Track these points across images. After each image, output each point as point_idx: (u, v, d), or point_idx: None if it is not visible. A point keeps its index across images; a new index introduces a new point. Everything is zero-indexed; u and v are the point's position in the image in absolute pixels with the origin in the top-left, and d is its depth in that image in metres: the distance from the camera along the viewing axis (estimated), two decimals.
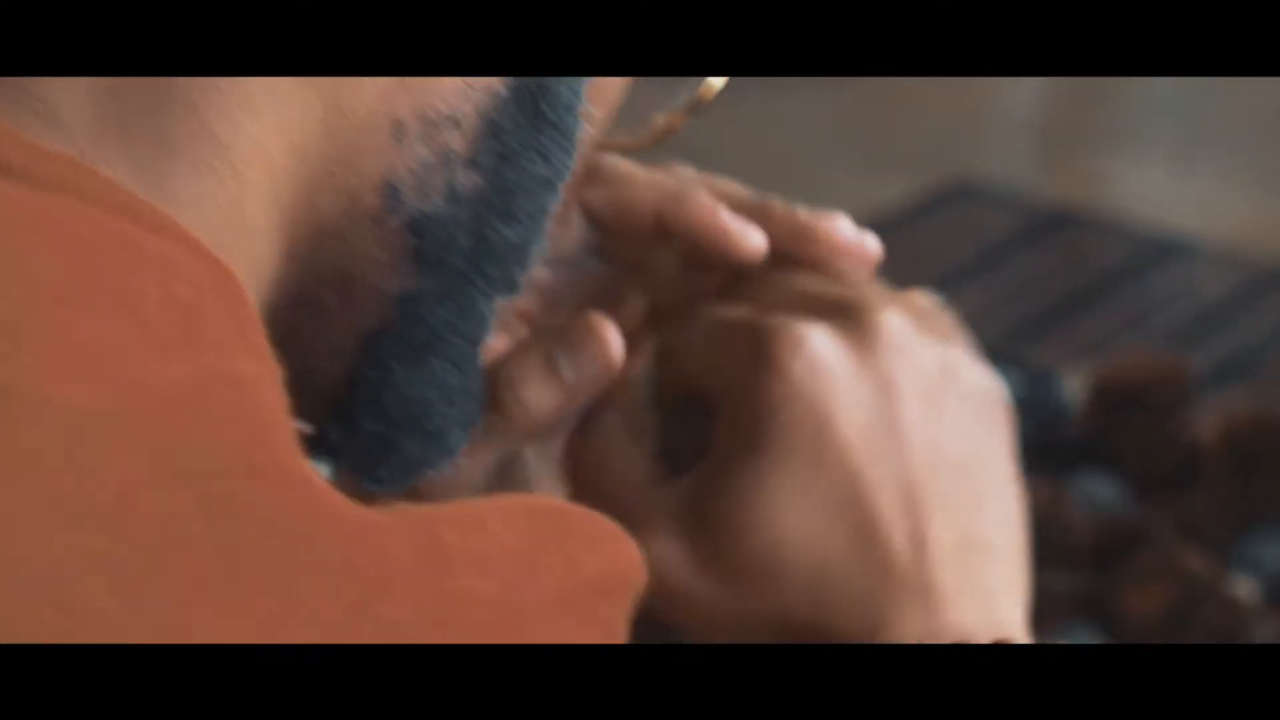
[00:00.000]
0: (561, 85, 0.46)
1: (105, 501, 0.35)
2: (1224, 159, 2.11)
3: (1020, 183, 2.03)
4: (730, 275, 0.60)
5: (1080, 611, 1.19)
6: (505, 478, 0.59)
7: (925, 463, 0.57)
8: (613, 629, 0.42)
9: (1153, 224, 1.87)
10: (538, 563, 0.40)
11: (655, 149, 0.57)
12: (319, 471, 0.38)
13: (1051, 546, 1.22)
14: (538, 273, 0.57)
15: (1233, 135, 2.18)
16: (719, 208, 0.59)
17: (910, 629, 0.55)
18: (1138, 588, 1.18)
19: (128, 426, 0.36)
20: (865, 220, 0.62)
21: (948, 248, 1.79)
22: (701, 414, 0.58)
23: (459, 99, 0.44)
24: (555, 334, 0.56)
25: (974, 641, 0.53)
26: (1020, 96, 2.33)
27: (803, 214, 0.60)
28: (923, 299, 0.61)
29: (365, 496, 0.40)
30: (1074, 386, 1.44)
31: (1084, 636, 1.16)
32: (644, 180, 0.59)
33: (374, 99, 0.43)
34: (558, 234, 0.54)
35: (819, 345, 0.57)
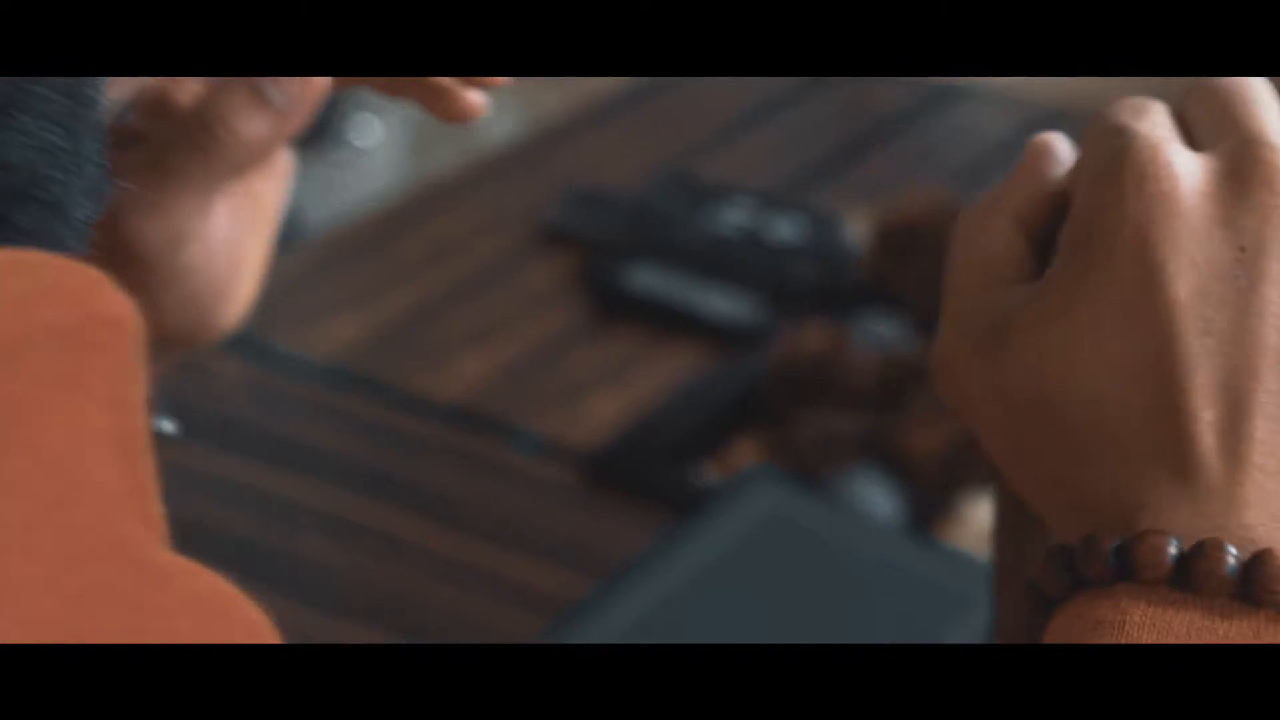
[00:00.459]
0: None
1: None
2: None
3: None
4: None
5: (866, 450, 1.20)
6: None
7: (1271, 351, 0.48)
8: (90, 376, 0.38)
9: None
10: None
11: None
12: None
13: (836, 388, 1.23)
14: None
15: None
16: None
17: (1179, 519, 0.47)
18: (921, 425, 1.19)
19: None
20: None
21: (732, 94, 1.79)
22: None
23: None
24: None
25: (1259, 548, 0.45)
26: None
27: None
28: None
29: None
30: (856, 229, 1.45)
31: (870, 475, 1.18)
32: None
33: None
34: None
35: (1184, 175, 0.49)
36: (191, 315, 0.60)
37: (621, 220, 1.45)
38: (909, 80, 1.84)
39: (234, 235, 0.60)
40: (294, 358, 1.33)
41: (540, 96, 2.01)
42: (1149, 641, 0.45)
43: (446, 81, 0.56)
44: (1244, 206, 0.49)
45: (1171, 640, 0.44)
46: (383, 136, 2.67)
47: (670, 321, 1.37)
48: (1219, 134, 0.51)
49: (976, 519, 1.15)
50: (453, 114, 0.57)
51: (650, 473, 1.21)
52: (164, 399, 0.60)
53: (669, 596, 1.06)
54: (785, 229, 1.43)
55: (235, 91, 0.54)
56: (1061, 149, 0.54)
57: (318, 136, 2.55)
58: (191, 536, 0.43)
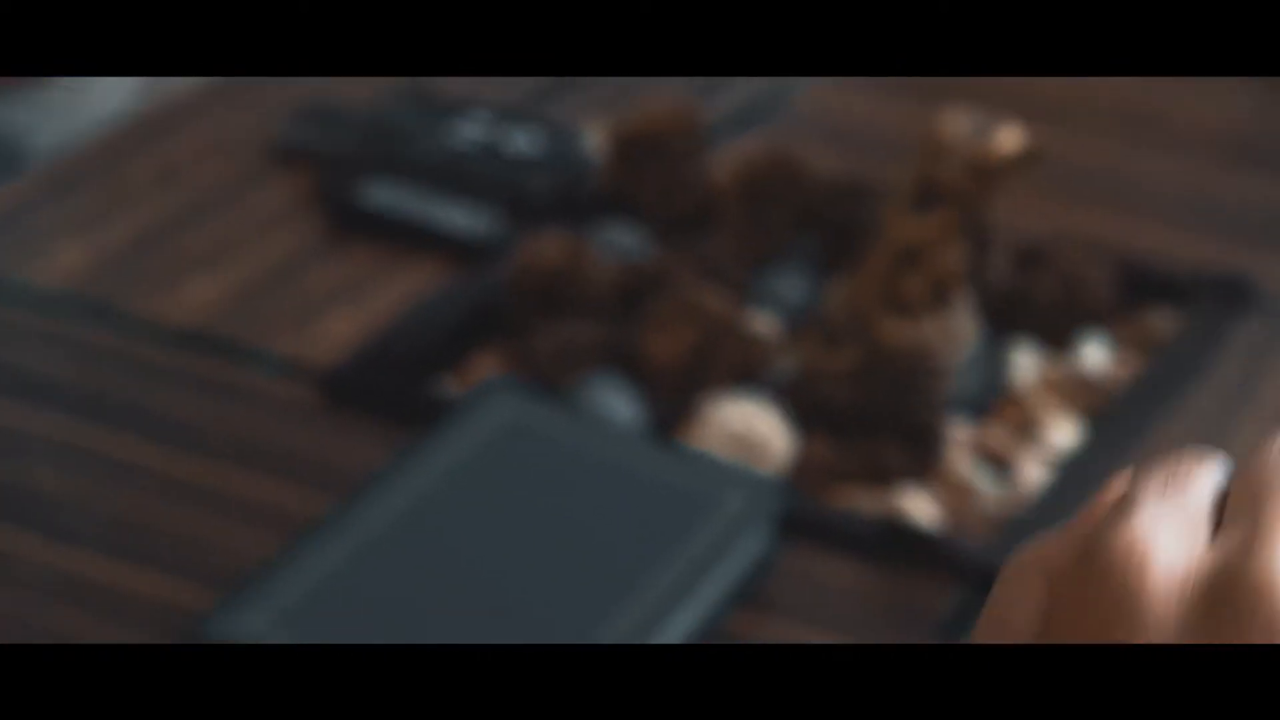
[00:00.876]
0: None
1: None
2: None
3: None
4: None
5: (606, 359, 1.20)
6: None
7: None
8: None
9: None
10: None
11: None
12: None
13: (575, 298, 1.23)
14: None
15: None
16: None
17: None
18: (659, 331, 1.19)
19: None
20: None
21: None
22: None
23: None
24: None
25: None
26: None
27: None
28: None
29: None
30: (594, 141, 1.44)
31: (611, 383, 1.17)
32: None
33: None
34: None
35: (1157, 577, 0.44)
36: None
37: (356, 137, 1.43)
38: None
39: None
40: (20, 285, 1.30)
41: None
42: None
43: None
44: (1219, 622, 0.43)
45: None
46: None
47: (408, 237, 1.35)
48: (1234, 518, 0.45)
49: (717, 421, 1.15)
50: None
51: (390, 388, 1.20)
52: None
53: (410, 509, 1.05)
54: (522, 142, 1.42)
55: None
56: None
57: None
58: None
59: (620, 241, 1.32)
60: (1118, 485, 0.49)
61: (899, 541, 1.10)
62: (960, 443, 1.18)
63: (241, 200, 1.41)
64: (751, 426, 1.15)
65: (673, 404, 1.18)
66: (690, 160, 1.35)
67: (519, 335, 1.23)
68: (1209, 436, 1.20)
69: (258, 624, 0.97)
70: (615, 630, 0.99)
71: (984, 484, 1.15)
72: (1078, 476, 1.16)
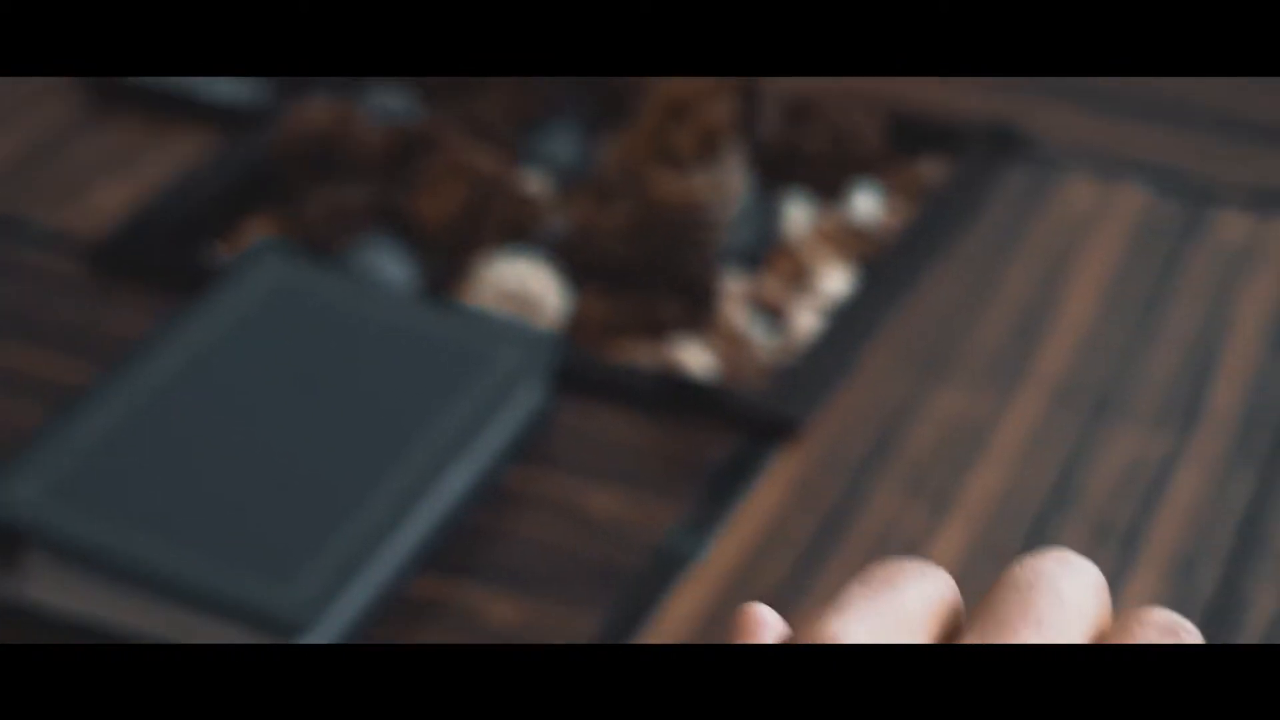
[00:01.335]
0: None
1: None
2: None
3: None
4: None
5: (377, 221, 1.19)
6: None
7: None
8: None
9: None
10: None
11: None
12: None
13: (345, 161, 1.22)
14: None
15: None
16: None
17: None
18: (429, 192, 1.18)
19: None
20: None
21: None
22: None
23: None
24: None
25: None
26: None
27: None
28: None
29: None
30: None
31: (383, 244, 1.17)
32: None
33: None
34: None
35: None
36: None
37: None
38: None
39: None
40: None
41: None
42: None
43: None
44: None
45: None
46: None
47: (172, 107, 1.33)
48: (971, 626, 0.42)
49: (490, 280, 1.15)
50: None
51: (159, 257, 1.18)
52: None
53: (181, 374, 1.04)
54: None
55: None
56: None
57: None
58: None
59: (388, 104, 1.31)
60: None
61: (675, 393, 1.11)
62: (734, 294, 1.18)
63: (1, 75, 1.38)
64: (525, 284, 1.15)
65: (445, 264, 1.18)
66: None
67: (289, 201, 1.22)
68: (978, 281, 1.22)
69: (29, 492, 0.96)
70: (393, 486, 0.99)
71: (758, 334, 1.16)
72: (850, 323, 1.17)
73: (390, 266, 1.16)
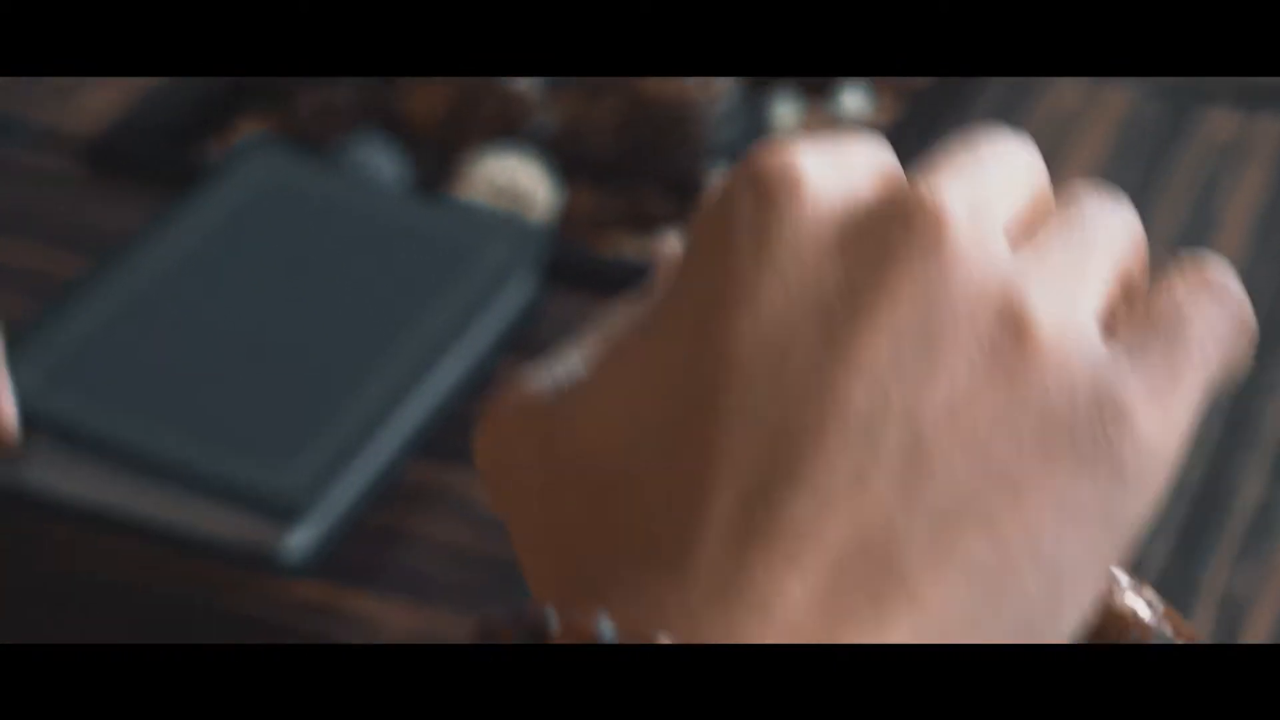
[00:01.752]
0: None
1: None
2: None
3: None
4: None
5: (368, 117, 1.20)
6: None
7: (852, 414, 0.36)
8: None
9: None
10: None
11: None
12: None
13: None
14: None
15: None
16: None
17: (676, 618, 0.36)
18: (421, 88, 1.19)
19: None
20: None
21: None
22: None
23: None
24: None
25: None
26: None
27: None
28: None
29: None
30: None
31: (373, 141, 1.17)
32: None
33: None
34: None
35: (813, 184, 0.38)
36: None
37: None
38: None
39: None
40: None
41: None
42: None
43: None
44: (874, 238, 0.38)
45: None
46: None
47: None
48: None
49: (480, 176, 1.15)
50: None
51: (151, 155, 1.19)
52: None
53: (175, 267, 1.05)
54: None
55: None
56: None
57: None
58: None
59: None
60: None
61: None
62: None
63: None
64: (515, 180, 1.16)
65: (435, 161, 1.18)
66: None
67: (280, 98, 1.23)
68: None
69: (28, 379, 0.97)
70: (387, 374, 1.00)
71: None
72: None
73: (381, 163, 1.17)
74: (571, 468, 0.39)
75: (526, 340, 1.08)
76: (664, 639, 0.34)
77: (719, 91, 1.21)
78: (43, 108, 1.24)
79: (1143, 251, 0.40)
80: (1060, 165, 1.24)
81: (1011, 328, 0.37)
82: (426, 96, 1.19)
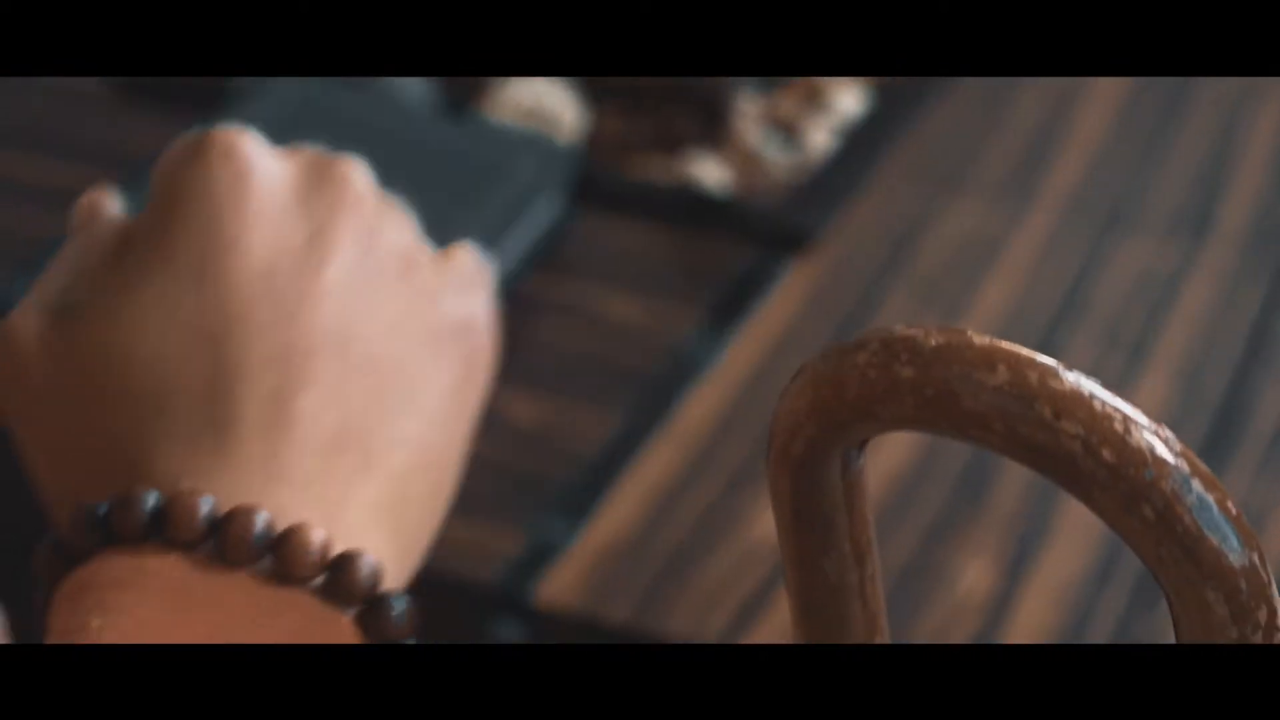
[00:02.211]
0: None
1: None
2: None
3: None
4: None
5: None
6: None
7: (332, 333, 0.50)
8: None
9: None
10: None
11: None
12: None
13: None
14: None
15: None
16: None
17: (221, 487, 0.47)
18: None
19: None
20: None
21: None
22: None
23: None
24: None
25: (303, 538, 0.46)
26: None
27: None
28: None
29: None
30: None
31: None
32: None
33: None
34: None
35: (263, 162, 0.54)
36: None
37: None
38: None
39: None
40: None
41: None
42: (165, 597, 0.44)
43: None
44: (316, 198, 0.53)
45: (190, 600, 0.44)
46: None
47: None
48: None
49: (507, 98, 1.16)
50: None
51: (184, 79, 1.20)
52: None
53: None
54: None
55: None
56: None
57: None
58: None
59: None
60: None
61: (691, 206, 1.12)
62: (749, 114, 1.20)
63: None
64: (542, 102, 1.16)
65: (463, 83, 1.19)
66: None
67: None
68: (991, 100, 1.23)
69: None
70: None
71: (773, 152, 1.18)
72: (864, 141, 1.19)
73: (410, 85, 1.17)
74: (97, 376, 0.49)
75: (553, 260, 1.09)
76: (209, 501, 0.46)
77: None
78: None
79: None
80: (1086, 85, 1.25)
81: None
82: None
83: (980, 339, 0.35)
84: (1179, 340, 1.06)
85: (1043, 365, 0.35)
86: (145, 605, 0.43)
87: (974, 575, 0.92)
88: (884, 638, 0.42)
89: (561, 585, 0.91)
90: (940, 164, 1.19)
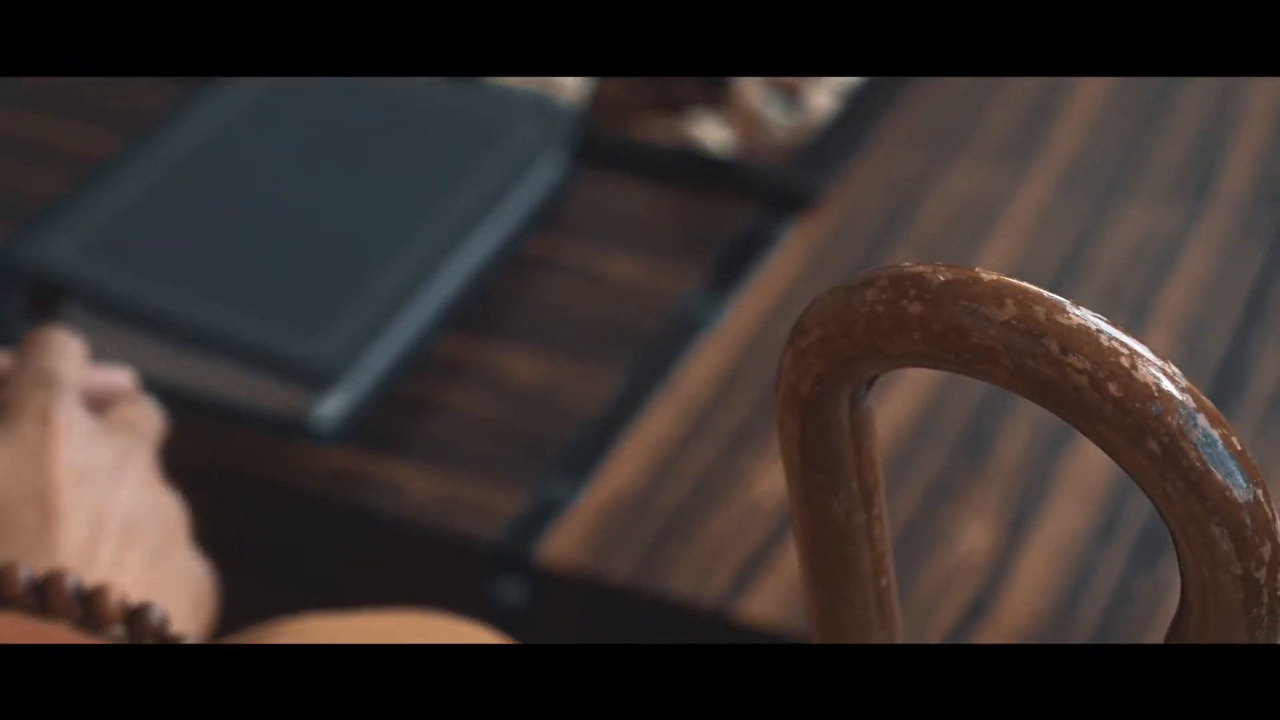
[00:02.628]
0: None
1: None
2: None
3: None
4: None
5: None
6: None
7: (123, 509, 0.67)
8: None
9: None
10: None
11: None
12: None
13: None
14: None
15: None
16: None
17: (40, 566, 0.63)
18: None
19: None
20: None
21: None
22: None
23: None
24: None
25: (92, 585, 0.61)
26: None
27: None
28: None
29: None
30: None
31: None
32: None
33: None
34: None
35: (70, 397, 0.68)
36: None
37: None
38: None
39: None
40: None
41: None
42: None
43: None
44: (113, 433, 0.68)
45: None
46: None
47: None
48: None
49: None
50: None
51: None
52: None
53: (206, 144, 1.06)
54: None
55: None
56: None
57: None
58: None
59: None
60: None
61: (693, 166, 1.12)
62: (751, 78, 1.20)
63: None
64: None
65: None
66: None
67: None
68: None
69: (65, 248, 0.98)
70: (419, 248, 1.01)
71: (774, 113, 1.18)
72: (865, 103, 1.19)
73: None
74: None
75: (555, 220, 1.09)
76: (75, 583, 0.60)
77: None
78: None
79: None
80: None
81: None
82: None
83: (988, 275, 0.36)
84: (1179, 302, 1.06)
85: (1050, 300, 0.35)
86: None
87: (975, 534, 0.92)
88: (890, 578, 0.42)
89: (564, 543, 0.91)
90: (941, 126, 1.19)
